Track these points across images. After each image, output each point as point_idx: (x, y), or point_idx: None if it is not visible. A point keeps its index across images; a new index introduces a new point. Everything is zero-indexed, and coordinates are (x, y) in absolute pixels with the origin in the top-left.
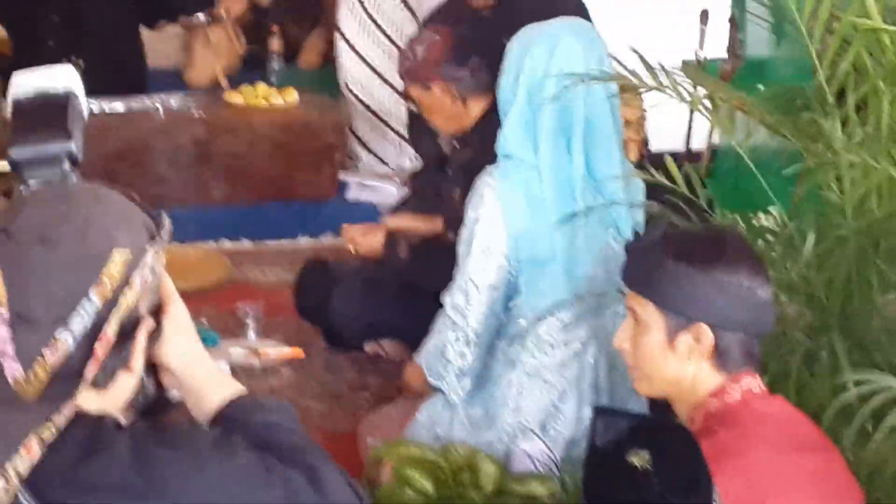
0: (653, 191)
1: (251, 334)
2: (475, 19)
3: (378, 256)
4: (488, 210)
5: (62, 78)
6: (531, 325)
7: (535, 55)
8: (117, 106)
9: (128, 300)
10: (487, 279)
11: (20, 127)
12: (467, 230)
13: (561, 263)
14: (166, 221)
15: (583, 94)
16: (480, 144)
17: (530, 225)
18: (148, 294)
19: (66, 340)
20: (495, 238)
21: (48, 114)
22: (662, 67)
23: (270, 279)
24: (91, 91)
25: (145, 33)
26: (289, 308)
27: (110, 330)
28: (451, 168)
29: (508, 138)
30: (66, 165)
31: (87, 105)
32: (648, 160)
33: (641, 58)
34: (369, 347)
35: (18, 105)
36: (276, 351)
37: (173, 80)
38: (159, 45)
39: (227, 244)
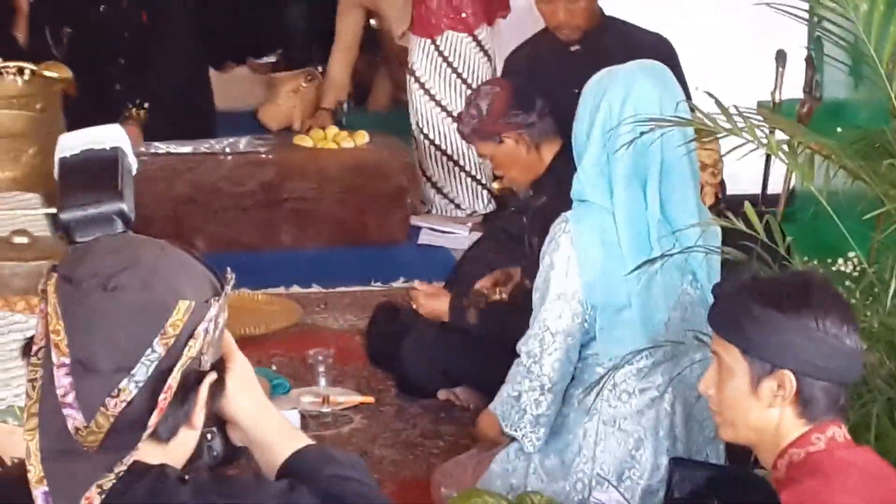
0: (730, 235)
1: (322, 381)
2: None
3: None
4: (563, 256)
5: (109, 136)
6: (607, 372)
7: (611, 99)
8: (185, 149)
9: (191, 352)
10: (563, 326)
11: (69, 188)
12: (542, 276)
13: (637, 310)
14: (230, 276)
15: (658, 139)
16: (556, 190)
17: (606, 271)
18: (211, 348)
19: (129, 390)
20: (571, 284)
21: (97, 173)
22: (738, 111)
23: (341, 325)
24: (158, 135)
25: (214, 76)
26: (360, 355)
27: (174, 381)
28: (526, 216)
29: (583, 183)
30: (119, 225)
31: (135, 162)
32: (725, 204)
33: (717, 101)
34: (442, 395)
35: (66, 166)
36: (347, 398)
37: (243, 122)
38: (229, 87)
39: (297, 289)
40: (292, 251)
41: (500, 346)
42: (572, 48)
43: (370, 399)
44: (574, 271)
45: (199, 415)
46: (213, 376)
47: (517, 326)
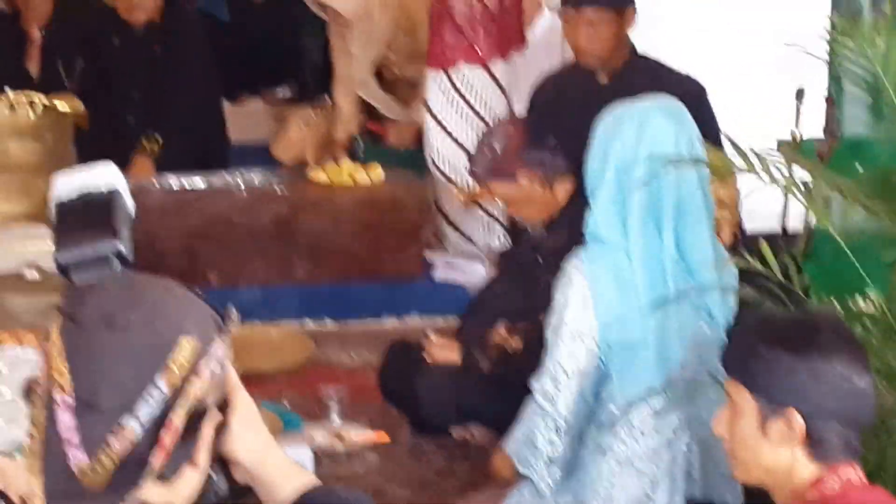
0: (747, 273)
1: (335, 417)
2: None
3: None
4: (577, 294)
5: (105, 176)
6: (622, 411)
7: (624, 135)
8: (198, 182)
9: (195, 390)
10: (577, 365)
11: (65, 230)
12: (556, 315)
13: (652, 349)
14: (233, 313)
15: (674, 176)
16: (570, 228)
17: (621, 309)
18: (215, 387)
19: (132, 428)
20: (585, 323)
21: (92, 214)
22: (754, 151)
23: (355, 361)
24: (171, 167)
25: (228, 108)
26: (373, 391)
27: (177, 419)
28: (541, 255)
29: (597, 220)
30: (116, 265)
31: (132, 203)
32: (743, 242)
33: (731, 141)
34: (457, 432)
35: (61, 207)
36: (361, 435)
37: (257, 154)
38: (243, 119)
39: (310, 324)
40: (306, 286)
41: (515, 385)
42: (601, 83)
43: (384, 436)
44: (588, 309)
45: (204, 455)
46: (217, 416)
47: (531, 369)
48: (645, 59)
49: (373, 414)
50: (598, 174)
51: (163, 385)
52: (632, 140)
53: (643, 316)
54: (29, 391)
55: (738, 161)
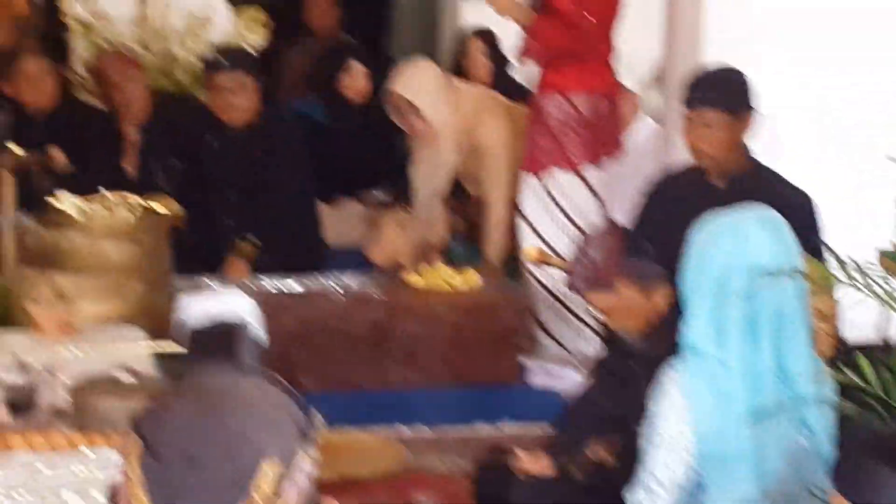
0: (847, 386)
1: None
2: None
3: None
4: (672, 405)
5: (236, 306)
6: None
7: (722, 246)
8: (293, 285)
9: None
10: (671, 476)
11: (194, 357)
12: (651, 426)
13: (749, 461)
14: (317, 419)
15: (772, 288)
16: (667, 337)
17: (717, 421)
18: (303, 499)
19: None
20: (680, 434)
21: (221, 342)
22: (855, 263)
23: (447, 467)
24: (267, 269)
25: (325, 211)
26: (467, 499)
27: None
28: (638, 364)
29: (693, 330)
30: None
31: (264, 332)
32: (842, 353)
33: (832, 252)
34: None
35: (193, 335)
36: None
37: (353, 258)
38: (338, 222)
39: (403, 430)
40: (399, 391)
41: (610, 496)
42: (716, 186)
43: None
44: (683, 421)
45: None
46: None
47: (625, 480)
48: (760, 165)
49: None
50: (694, 284)
51: None
52: (730, 251)
53: (740, 428)
54: (112, 497)
55: (839, 274)
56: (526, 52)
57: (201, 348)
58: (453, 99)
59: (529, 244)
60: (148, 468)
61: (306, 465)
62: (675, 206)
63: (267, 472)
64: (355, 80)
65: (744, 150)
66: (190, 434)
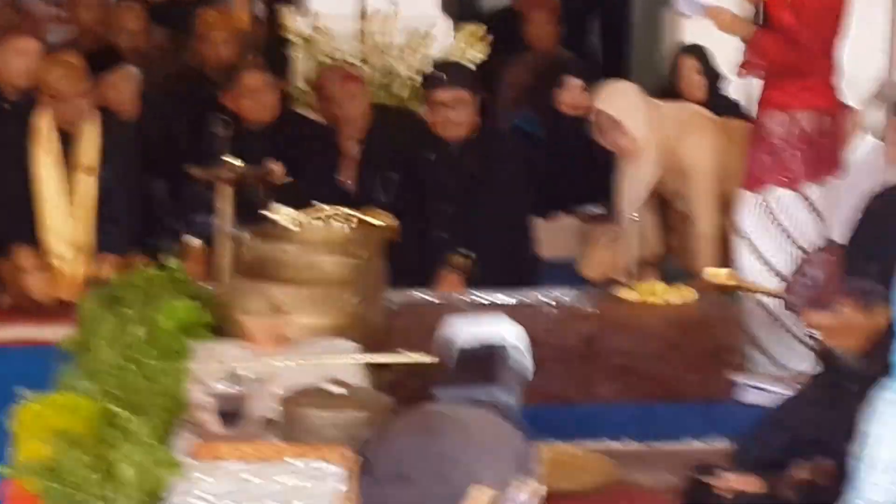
0: None
1: None
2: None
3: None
4: (887, 426)
5: (505, 331)
6: None
7: None
8: (507, 299)
9: None
10: (882, 499)
11: (460, 378)
12: (865, 447)
13: None
14: (535, 452)
15: None
16: (883, 356)
17: None
18: None
19: None
20: (893, 457)
21: (486, 369)
22: None
23: (656, 482)
24: (481, 283)
25: (539, 225)
26: None
27: None
28: (854, 383)
29: None
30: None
31: (530, 360)
32: None
33: None
34: None
35: (463, 353)
36: None
37: (566, 272)
38: (553, 236)
39: (612, 444)
40: (610, 405)
41: None
42: None
43: None
44: None
45: None
46: None
47: (837, 498)
48: None
49: None
50: None
51: None
52: None
53: None
54: None
55: None
56: (747, 67)
57: (468, 368)
58: (654, 116)
59: (747, 260)
60: (364, 485)
61: (521, 496)
62: (891, 222)
63: (477, 498)
64: (571, 94)
65: None
66: (403, 449)
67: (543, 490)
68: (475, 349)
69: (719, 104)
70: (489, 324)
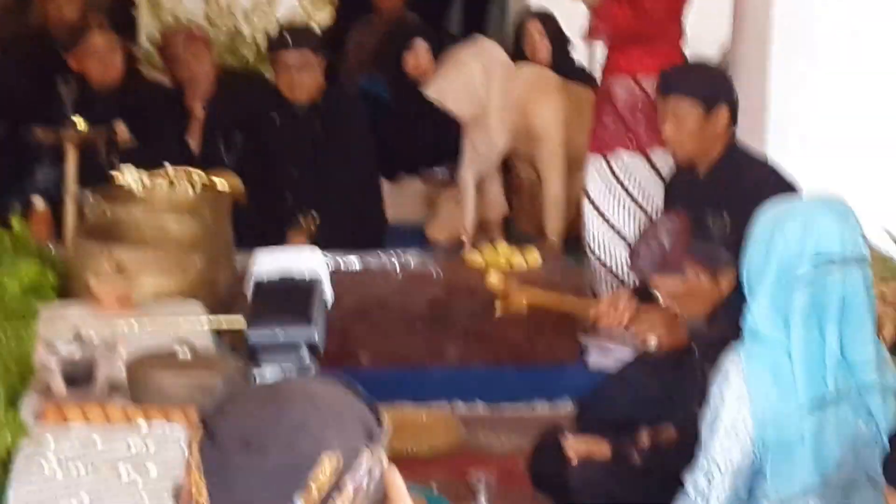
0: None
1: (483, 502)
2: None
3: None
4: (734, 390)
5: (308, 262)
6: None
7: (788, 232)
8: (353, 262)
9: None
10: (731, 462)
11: (261, 312)
12: (712, 410)
13: (809, 447)
14: (385, 421)
15: (839, 276)
16: (730, 321)
17: (778, 407)
18: (365, 501)
19: None
20: (741, 420)
21: (291, 299)
22: None
23: (505, 445)
24: (328, 245)
25: (386, 188)
26: (523, 477)
27: None
28: (699, 347)
29: (757, 316)
30: (305, 354)
31: (331, 293)
32: None
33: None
34: None
35: (261, 288)
36: None
37: (413, 235)
38: (400, 199)
39: (461, 407)
40: (458, 369)
41: (669, 478)
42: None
43: None
44: (745, 407)
45: None
46: None
47: (684, 462)
48: (737, 151)
49: (521, 500)
50: (759, 271)
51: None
52: (796, 237)
53: (801, 414)
54: (177, 497)
55: None
56: (593, 33)
57: (269, 301)
58: (507, 80)
59: (592, 224)
60: (205, 451)
61: (370, 465)
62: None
63: (326, 464)
64: (419, 58)
65: (724, 140)
66: (249, 420)
67: (385, 460)
68: (275, 282)
69: (565, 68)
70: (290, 255)
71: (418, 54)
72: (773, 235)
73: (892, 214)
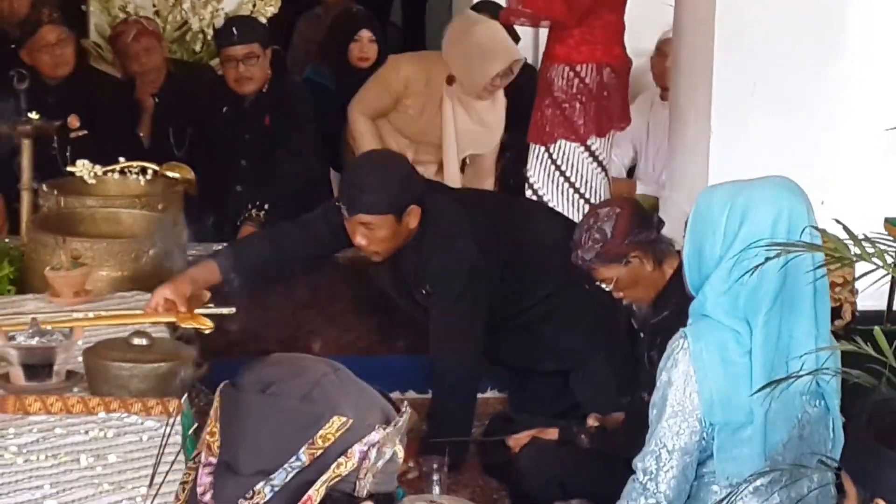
0: (859, 356)
1: (436, 489)
2: None
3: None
4: (681, 373)
5: None
6: (725, 492)
7: (734, 215)
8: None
9: (341, 469)
10: (680, 443)
11: None
12: (659, 393)
13: (757, 429)
14: (405, 410)
15: (779, 259)
16: (676, 306)
17: (725, 389)
18: (370, 475)
19: (264, 493)
20: (689, 401)
21: None
22: (867, 237)
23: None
24: None
25: (335, 177)
26: (474, 464)
27: (315, 494)
28: (645, 331)
29: (707, 300)
30: None
31: None
32: (856, 321)
33: (845, 228)
34: None
35: None
36: None
37: None
38: None
39: (412, 395)
40: (409, 356)
41: (619, 461)
42: None
43: None
44: (692, 388)
45: None
46: None
47: (634, 444)
48: None
49: (473, 486)
50: (708, 255)
51: (304, 456)
52: (734, 224)
53: (749, 396)
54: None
55: (850, 244)
56: (511, 14)
57: None
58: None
59: None
60: (225, 397)
61: (382, 441)
62: None
63: (335, 424)
64: (361, 47)
65: None
66: (273, 371)
67: (402, 450)
68: None
69: None
70: None
71: (361, 43)
72: (719, 219)
73: (841, 201)
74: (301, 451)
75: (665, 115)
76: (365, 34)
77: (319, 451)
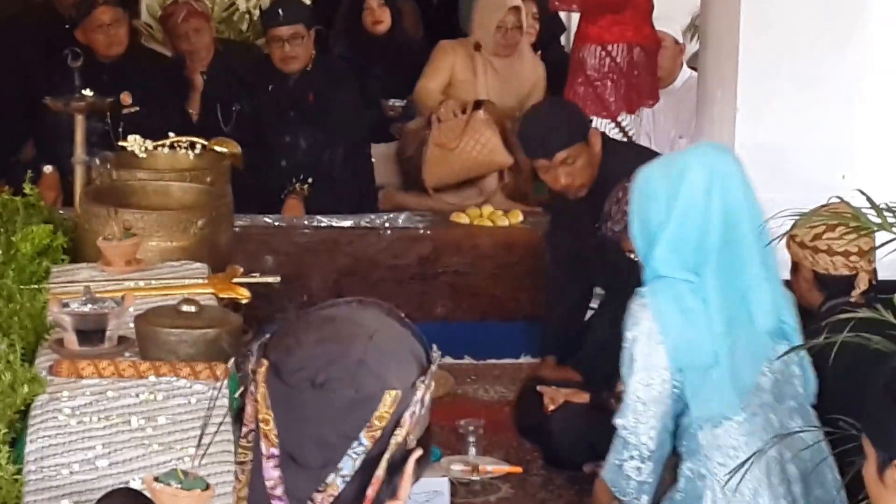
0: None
1: (472, 450)
2: None
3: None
4: (644, 329)
5: None
6: (709, 433)
7: (671, 182)
8: (346, 223)
9: (398, 439)
10: (653, 394)
11: None
12: (627, 352)
13: (724, 369)
14: (436, 353)
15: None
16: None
17: (686, 333)
18: (417, 427)
19: (336, 484)
20: (654, 351)
21: None
22: (888, 207)
23: (492, 396)
24: (321, 208)
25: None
26: (509, 426)
27: (381, 471)
28: None
29: (660, 262)
30: None
31: None
32: (875, 290)
33: (868, 198)
34: (588, 468)
35: None
36: (496, 467)
37: None
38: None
39: (450, 360)
40: (446, 323)
41: None
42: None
43: (518, 469)
44: (656, 340)
45: (407, 489)
46: (418, 453)
47: None
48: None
49: (508, 447)
50: (658, 221)
51: (365, 440)
52: (673, 187)
53: (712, 337)
54: (237, 419)
55: (872, 217)
56: (561, 3)
57: None
58: None
59: None
60: (274, 388)
61: (424, 397)
62: None
63: (387, 402)
64: (374, 13)
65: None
66: (315, 356)
67: (433, 385)
68: None
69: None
70: None
71: (373, 10)
72: (675, 186)
73: (864, 176)
74: (362, 435)
75: None
76: (373, 1)
77: (378, 432)
